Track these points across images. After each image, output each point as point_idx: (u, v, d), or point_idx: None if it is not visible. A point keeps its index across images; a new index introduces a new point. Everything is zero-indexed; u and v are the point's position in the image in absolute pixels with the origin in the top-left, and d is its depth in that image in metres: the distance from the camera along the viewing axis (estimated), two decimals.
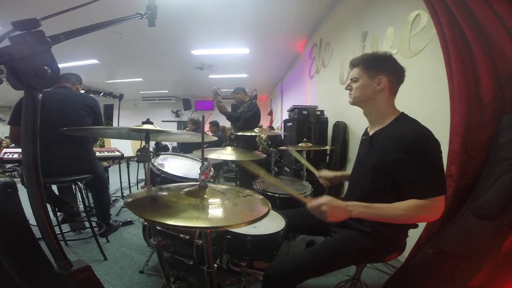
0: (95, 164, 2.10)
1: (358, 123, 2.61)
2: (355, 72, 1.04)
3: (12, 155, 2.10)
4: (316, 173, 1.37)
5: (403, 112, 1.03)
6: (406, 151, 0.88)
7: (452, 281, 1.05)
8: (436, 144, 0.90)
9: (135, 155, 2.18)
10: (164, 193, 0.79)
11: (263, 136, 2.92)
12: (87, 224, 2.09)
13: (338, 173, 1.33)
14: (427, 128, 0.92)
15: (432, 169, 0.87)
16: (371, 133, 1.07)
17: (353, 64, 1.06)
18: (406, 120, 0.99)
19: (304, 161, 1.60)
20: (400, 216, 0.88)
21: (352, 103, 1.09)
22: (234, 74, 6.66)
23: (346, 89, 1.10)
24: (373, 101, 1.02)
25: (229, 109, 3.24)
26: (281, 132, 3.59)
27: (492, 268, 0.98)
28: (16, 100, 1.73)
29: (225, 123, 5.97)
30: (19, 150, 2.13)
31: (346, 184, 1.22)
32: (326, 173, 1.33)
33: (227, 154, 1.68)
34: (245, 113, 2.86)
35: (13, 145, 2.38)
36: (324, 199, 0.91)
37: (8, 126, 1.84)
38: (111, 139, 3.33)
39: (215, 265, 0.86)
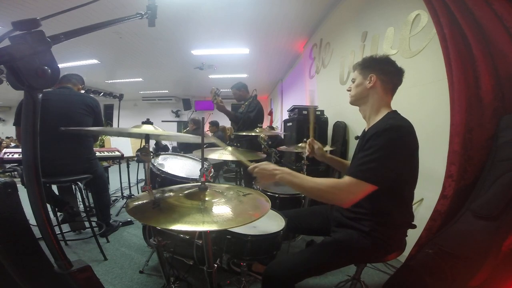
0: (95, 164, 2.10)
1: (358, 123, 2.61)
2: (354, 74, 1.11)
3: (12, 155, 2.10)
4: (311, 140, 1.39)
5: (395, 110, 1.04)
6: (370, 137, 0.90)
7: (452, 281, 1.05)
8: (401, 138, 0.88)
9: (135, 155, 2.18)
10: (166, 196, 0.79)
11: (263, 136, 2.92)
12: (87, 224, 2.09)
13: (328, 155, 1.39)
14: (407, 125, 0.92)
15: (374, 154, 0.85)
16: (366, 130, 1.10)
17: (354, 67, 1.13)
18: (393, 115, 1.01)
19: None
20: (312, 189, 0.90)
21: (350, 102, 1.14)
22: (234, 74, 6.65)
23: (348, 90, 1.14)
24: (366, 99, 1.07)
25: (229, 109, 3.05)
26: (281, 132, 3.59)
27: (492, 268, 0.98)
28: (16, 100, 1.74)
29: (225, 123, 5.98)
30: (19, 150, 2.13)
31: None
32: (315, 142, 1.37)
33: (228, 154, 1.68)
34: (247, 113, 2.79)
35: (13, 144, 2.38)
36: (261, 163, 0.98)
37: (8, 126, 1.85)
38: (111, 139, 3.33)
39: (215, 265, 0.86)
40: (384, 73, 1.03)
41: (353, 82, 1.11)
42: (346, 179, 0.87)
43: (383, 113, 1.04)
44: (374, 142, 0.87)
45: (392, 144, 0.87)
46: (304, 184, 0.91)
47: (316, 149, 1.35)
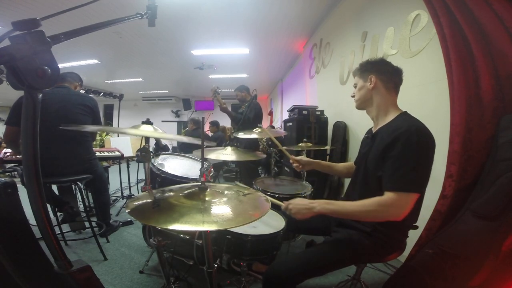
0: (95, 164, 2.10)
1: (358, 123, 2.61)
2: (355, 79, 1.13)
3: (12, 155, 2.10)
4: (291, 157, 1.45)
5: (405, 111, 1.05)
6: (391, 142, 0.89)
7: (452, 281, 1.05)
8: (424, 142, 0.89)
9: (135, 155, 2.18)
10: (166, 196, 0.79)
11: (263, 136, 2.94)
12: (87, 224, 2.09)
13: (313, 161, 1.42)
14: (424, 127, 0.92)
15: (408, 163, 0.86)
16: (374, 131, 1.10)
17: (353, 73, 1.15)
18: (406, 117, 1.01)
19: (281, 147, 1.60)
20: (359, 212, 0.90)
21: (357, 107, 1.16)
22: (234, 74, 6.65)
23: (352, 96, 1.16)
24: (371, 101, 1.08)
25: (229, 109, 3.19)
26: (282, 132, 3.61)
27: (492, 268, 0.98)
28: (15, 101, 1.72)
29: (225, 123, 5.98)
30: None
31: (346, 183, 1.23)
32: (301, 157, 1.43)
33: (227, 154, 1.68)
34: (246, 114, 2.84)
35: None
36: (293, 200, 1.00)
37: None
38: (111, 139, 3.33)
39: (215, 265, 0.86)
40: (382, 73, 1.05)
41: (355, 87, 1.13)
42: (391, 194, 0.86)
43: (392, 113, 1.04)
44: (401, 150, 0.87)
45: (419, 148, 0.88)
46: (348, 210, 0.92)
47: (303, 161, 1.40)
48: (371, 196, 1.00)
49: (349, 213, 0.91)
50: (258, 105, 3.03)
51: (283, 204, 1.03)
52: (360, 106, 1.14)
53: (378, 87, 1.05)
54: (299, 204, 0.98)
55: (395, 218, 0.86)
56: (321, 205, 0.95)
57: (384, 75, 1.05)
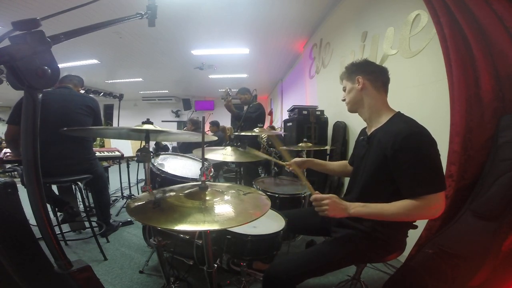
0: (95, 164, 2.10)
1: (358, 123, 2.61)
2: (344, 83, 1.15)
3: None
4: (285, 164, 1.43)
5: (399, 112, 1.05)
6: (399, 149, 0.89)
7: (452, 281, 1.05)
8: (429, 142, 0.90)
9: (135, 155, 2.18)
10: (166, 197, 0.79)
11: (263, 136, 2.95)
12: (87, 224, 2.09)
13: (306, 159, 1.41)
14: (422, 126, 0.93)
15: (424, 167, 0.87)
16: (369, 133, 1.10)
17: (341, 77, 1.17)
18: (402, 118, 1.01)
19: (271, 158, 1.69)
20: (397, 215, 0.89)
21: (349, 110, 1.17)
22: (234, 74, 6.65)
23: (342, 100, 1.17)
24: (361, 102, 1.09)
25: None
26: (281, 132, 3.62)
27: (492, 268, 0.98)
28: (16, 100, 1.72)
29: (225, 123, 5.97)
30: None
31: (346, 183, 1.23)
32: (294, 160, 1.40)
33: (227, 154, 1.68)
34: (251, 113, 2.96)
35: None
36: (329, 195, 0.95)
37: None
38: (111, 139, 3.33)
39: (215, 265, 0.86)
40: (368, 73, 1.06)
41: (345, 90, 1.15)
42: (422, 199, 0.86)
43: (386, 113, 1.04)
44: (414, 156, 0.87)
45: (428, 148, 0.89)
46: (385, 212, 0.90)
47: (298, 162, 1.38)
48: (373, 197, 1.00)
49: (389, 215, 0.90)
50: (262, 107, 3.18)
51: (314, 192, 0.97)
52: (352, 109, 1.14)
53: (367, 87, 1.06)
54: (336, 202, 0.94)
55: (433, 217, 0.92)
56: (356, 208, 0.94)
57: (370, 75, 1.06)
